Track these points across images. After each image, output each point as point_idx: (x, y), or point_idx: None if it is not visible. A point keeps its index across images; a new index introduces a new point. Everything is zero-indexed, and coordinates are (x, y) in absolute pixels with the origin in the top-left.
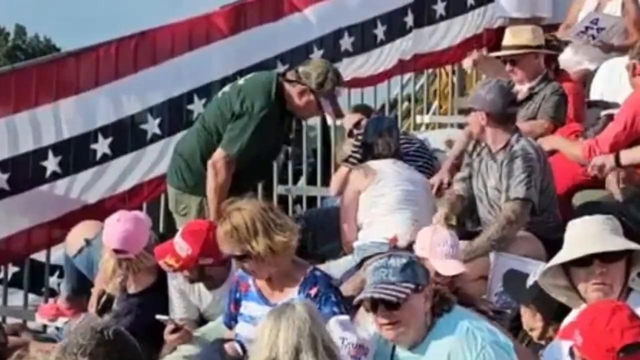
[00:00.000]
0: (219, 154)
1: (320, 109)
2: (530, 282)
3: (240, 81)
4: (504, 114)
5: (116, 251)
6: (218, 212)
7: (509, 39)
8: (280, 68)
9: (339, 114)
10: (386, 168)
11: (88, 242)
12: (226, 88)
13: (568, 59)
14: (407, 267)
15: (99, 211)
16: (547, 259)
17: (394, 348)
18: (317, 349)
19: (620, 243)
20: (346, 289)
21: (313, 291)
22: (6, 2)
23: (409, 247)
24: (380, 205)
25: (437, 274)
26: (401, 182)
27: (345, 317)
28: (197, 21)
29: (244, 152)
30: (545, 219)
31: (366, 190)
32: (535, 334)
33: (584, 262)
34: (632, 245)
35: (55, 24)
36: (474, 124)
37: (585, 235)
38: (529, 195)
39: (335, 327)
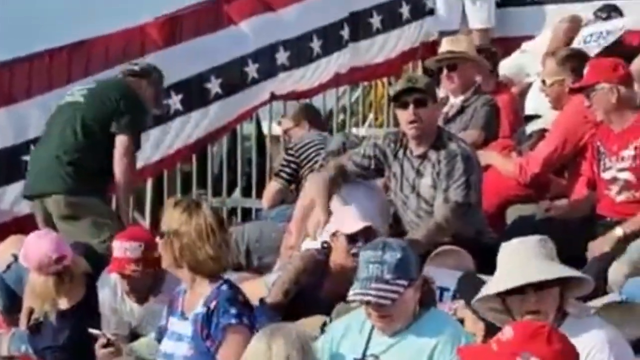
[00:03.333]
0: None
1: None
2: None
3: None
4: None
5: (57, 260)
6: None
7: (446, 45)
8: (215, 81)
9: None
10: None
11: (16, 257)
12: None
13: (514, 69)
14: (401, 262)
15: (30, 223)
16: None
17: (372, 329)
18: None
19: (554, 270)
20: None
21: (213, 304)
22: None
23: None
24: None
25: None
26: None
27: None
28: (132, 32)
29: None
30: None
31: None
32: (477, 341)
33: (518, 289)
34: (566, 272)
35: None
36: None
37: (519, 261)
38: (467, 200)
39: None
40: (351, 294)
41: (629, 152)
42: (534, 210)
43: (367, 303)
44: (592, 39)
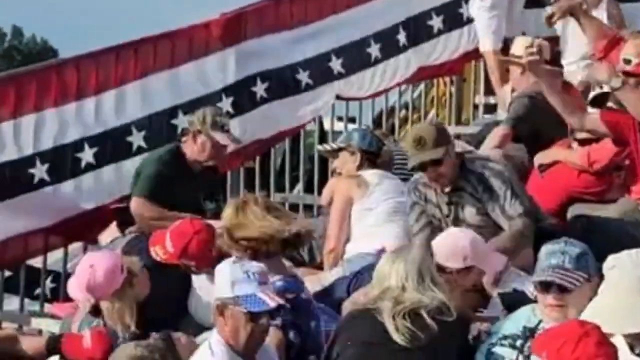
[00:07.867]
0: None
1: (216, 143)
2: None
3: None
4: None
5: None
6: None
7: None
8: (260, 85)
9: (234, 140)
10: (377, 180)
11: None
12: None
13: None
14: (582, 256)
15: (95, 217)
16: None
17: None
18: (424, 279)
19: None
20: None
21: None
22: (3, 3)
23: None
24: (369, 218)
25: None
26: (392, 194)
27: None
28: (197, 29)
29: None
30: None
31: (356, 203)
32: None
33: None
34: None
35: (52, 25)
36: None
37: (625, 303)
38: (526, 207)
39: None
40: (533, 279)
41: None
42: (595, 210)
43: (548, 286)
44: None
